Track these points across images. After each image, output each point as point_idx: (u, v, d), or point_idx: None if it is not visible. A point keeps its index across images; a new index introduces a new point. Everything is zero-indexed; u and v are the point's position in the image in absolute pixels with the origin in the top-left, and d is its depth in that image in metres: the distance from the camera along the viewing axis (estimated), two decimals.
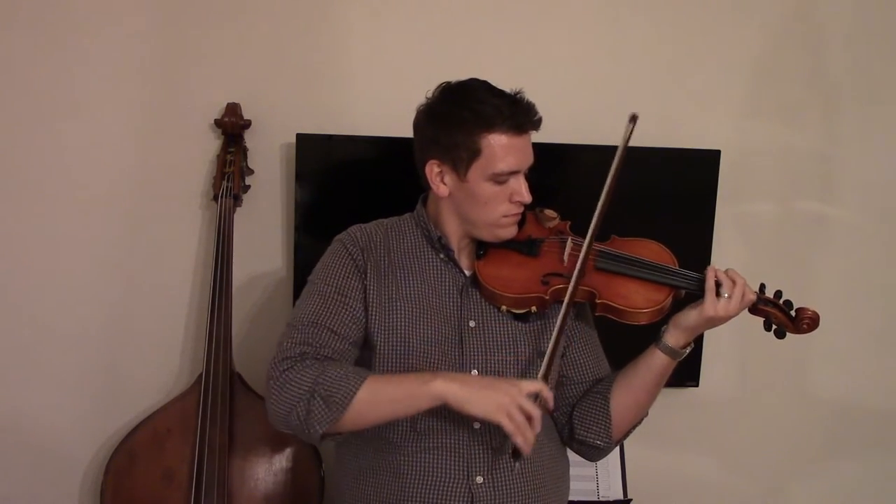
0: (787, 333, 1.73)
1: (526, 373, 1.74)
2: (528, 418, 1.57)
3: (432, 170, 1.73)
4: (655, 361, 1.74)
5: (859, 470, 2.69)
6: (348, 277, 1.74)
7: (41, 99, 2.29)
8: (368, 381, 1.61)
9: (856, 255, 2.60)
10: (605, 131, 2.38)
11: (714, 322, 1.70)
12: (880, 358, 2.66)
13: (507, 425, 1.56)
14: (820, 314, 1.71)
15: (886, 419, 2.68)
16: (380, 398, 1.61)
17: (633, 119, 1.70)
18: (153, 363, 2.38)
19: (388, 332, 1.72)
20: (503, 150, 1.67)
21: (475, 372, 1.72)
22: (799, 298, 1.75)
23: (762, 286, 1.74)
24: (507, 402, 1.56)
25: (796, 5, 2.50)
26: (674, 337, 1.73)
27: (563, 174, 2.28)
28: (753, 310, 1.72)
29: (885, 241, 2.62)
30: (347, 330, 1.70)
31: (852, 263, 2.61)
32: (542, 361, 1.68)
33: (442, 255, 1.78)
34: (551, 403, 1.65)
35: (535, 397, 1.60)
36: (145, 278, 2.36)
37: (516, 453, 1.64)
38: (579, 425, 1.81)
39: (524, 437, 1.57)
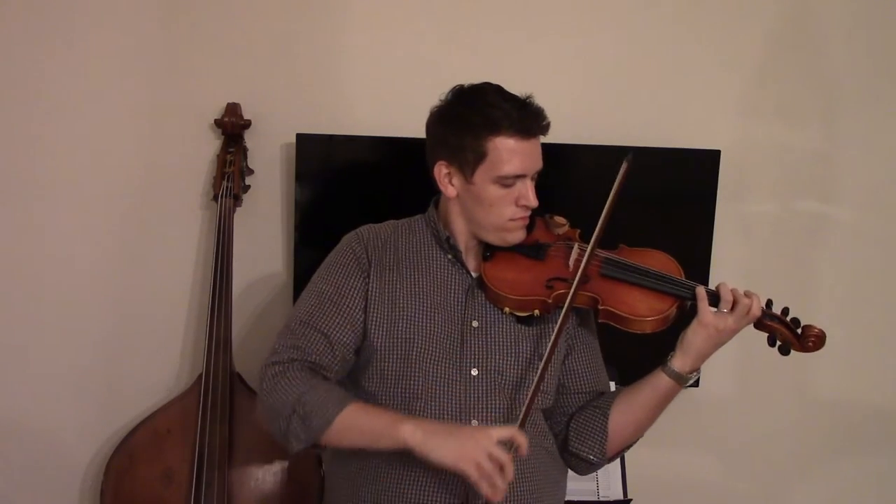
0: (792, 351, 1.72)
1: (525, 374, 1.74)
2: (500, 466, 1.52)
3: (441, 171, 1.75)
4: (660, 384, 1.73)
5: (859, 470, 2.69)
6: (349, 276, 1.75)
7: (41, 98, 2.29)
8: (347, 410, 1.61)
9: (856, 255, 2.60)
10: (605, 132, 2.39)
11: (716, 337, 1.69)
12: (880, 358, 2.66)
13: (473, 474, 1.52)
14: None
15: (886, 419, 2.68)
16: (353, 428, 1.61)
17: (628, 160, 1.66)
18: (153, 363, 2.38)
19: (389, 328, 1.72)
20: (509, 153, 1.68)
21: (475, 371, 1.72)
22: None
23: (769, 301, 1.73)
24: (474, 450, 1.52)
25: (796, 5, 2.50)
26: (680, 361, 1.71)
27: (562, 174, 2.28)
28: (759, 325, 1.71)
29: (885, 241, 2.61)
30: (339, 333, 1.71)
31: (852, 263, 2.60)
32: (540, 364, 1.67)
33: (450, 256, 1.79)
34: (524, 450, 1.56)
35: (510, 445, 1.55)
36: (145, 278, 2.36)
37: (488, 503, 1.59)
38: (574, 437, 1.80)
39: (490, 486, 1.52)
